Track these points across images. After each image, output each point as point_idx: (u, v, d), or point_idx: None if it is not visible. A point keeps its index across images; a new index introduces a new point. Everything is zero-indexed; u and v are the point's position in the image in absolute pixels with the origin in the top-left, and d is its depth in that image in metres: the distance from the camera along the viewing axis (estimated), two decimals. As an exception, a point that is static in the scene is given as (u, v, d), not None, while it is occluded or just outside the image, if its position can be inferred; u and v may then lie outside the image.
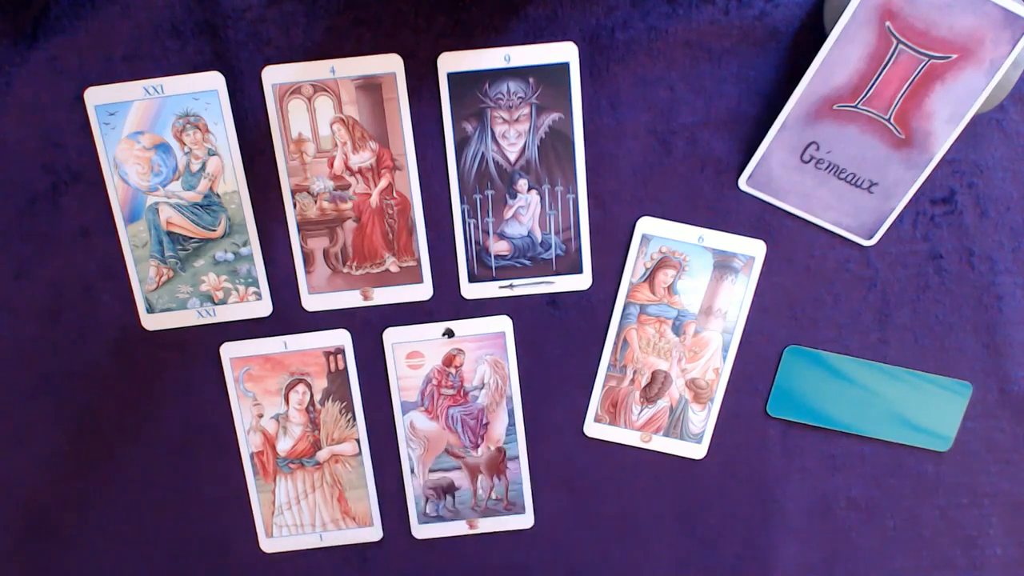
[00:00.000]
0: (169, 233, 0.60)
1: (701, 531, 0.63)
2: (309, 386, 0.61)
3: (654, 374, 0.61)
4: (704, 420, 0.62)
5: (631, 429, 0.62)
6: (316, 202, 0.60)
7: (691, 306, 0.61)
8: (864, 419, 0.61)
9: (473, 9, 0.57)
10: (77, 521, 0.63)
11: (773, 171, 0.59)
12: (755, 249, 0.60)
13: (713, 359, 0.61)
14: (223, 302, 0.60)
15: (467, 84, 0.58)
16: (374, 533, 0.63)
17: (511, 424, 0.62)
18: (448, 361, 0.61)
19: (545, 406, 0.62)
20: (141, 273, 0.60)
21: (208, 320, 0.61)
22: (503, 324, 0.61)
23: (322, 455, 0.62)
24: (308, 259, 0.60)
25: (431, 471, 0.63)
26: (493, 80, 0.58)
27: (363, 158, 0.59)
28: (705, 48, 0.58)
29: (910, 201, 0.59)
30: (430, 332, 0.61)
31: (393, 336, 0.61)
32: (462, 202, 0.60)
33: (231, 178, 0.59)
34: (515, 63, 0.58)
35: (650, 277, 0.60)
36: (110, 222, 0.59)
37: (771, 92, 0.58)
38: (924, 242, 0.60)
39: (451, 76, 0.58)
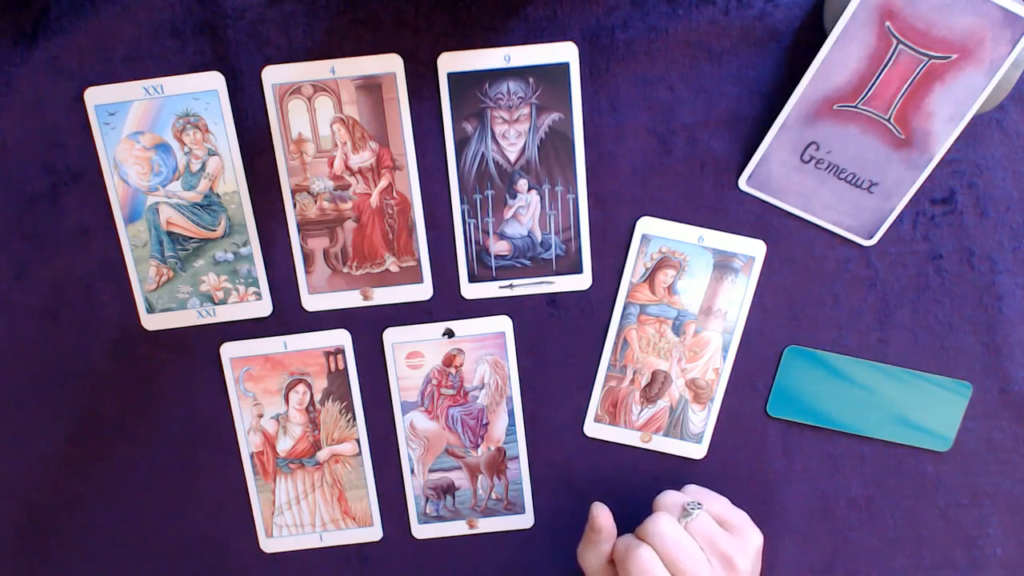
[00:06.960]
0: (169, 233, 0.60)
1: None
2: (309, 386, 0.61)
3: (654, 374, 0.61)
4: (704, 420, 0.62)
5: (631, 429, 0.62)
6: (316, 202, 0.59)
7: (691, 306, 0.61)
8: (864, 419, 0.61)
9: (473, 9, 0.57)
10: (77, 521, 0.63)
11: (773, 171, 0.59)
12: (755, 249, 0.60)
13: (713, 359, 0.61)
14: (223, 302, 0.60)
15: (467, 84, 0.58)
16: (374, 533, 0.63)
17: (511, 424, 0.62)
18: (448, 361, 0.61)
19: (545, 406, 0.62)
20: (141, 273, 0.60)
21: (208, 320, 0.61)
22: (503, 324, 0.61)
23: (322, 455, 0.62)
24: (308, 259, 0.60)
25: (431, 471, 0.63)
26: (493, 80, 0.58)
27: (363, 158, 0.59)
28: (705, 48, 0.58)
29: (910, 201, 0.59)
30: (430, 332, 0.61)
31: (393, 336, 0.61)
32: (462, 202, 0.60)
33: (231, 178, 0.59)
34: (515, 63, 0.58)
35: (650, 277, 0.60)
36: (110, 222, 0.59)
37: (771, 92, 0.58)
38: (924, 242, 0.60)
39: (451, 76, 0.58)
